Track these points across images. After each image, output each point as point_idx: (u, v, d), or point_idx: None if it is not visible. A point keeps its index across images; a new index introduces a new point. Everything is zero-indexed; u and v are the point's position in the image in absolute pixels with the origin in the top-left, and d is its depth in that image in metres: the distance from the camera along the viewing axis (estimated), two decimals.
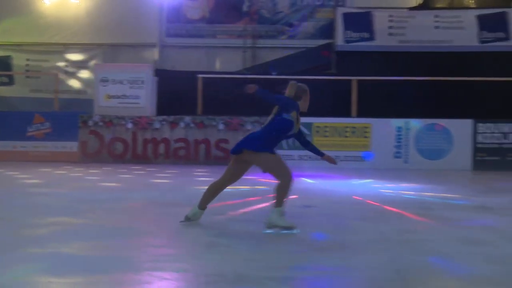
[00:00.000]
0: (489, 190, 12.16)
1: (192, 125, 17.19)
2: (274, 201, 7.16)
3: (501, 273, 5.38)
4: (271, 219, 7.11)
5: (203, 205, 7.54)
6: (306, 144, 7.81)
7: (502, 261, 5.84)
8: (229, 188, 11.15)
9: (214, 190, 7.58)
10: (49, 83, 21.23)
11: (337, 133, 16.53)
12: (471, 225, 7.49)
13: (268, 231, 7.07)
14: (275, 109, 7.45)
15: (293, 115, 7.41)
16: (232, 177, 7.54)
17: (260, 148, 7.19)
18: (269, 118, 7.44)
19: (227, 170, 7.51)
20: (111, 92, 17.83)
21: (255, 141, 7.24)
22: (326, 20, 21.51)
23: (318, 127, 16.61)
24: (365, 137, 16.50)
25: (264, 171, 7.30)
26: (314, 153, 7.79)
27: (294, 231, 7.06)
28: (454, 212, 8.68)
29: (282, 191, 7.15)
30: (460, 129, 16.79)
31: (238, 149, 7.29)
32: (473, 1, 20.66)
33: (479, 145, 16.70)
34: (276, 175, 7.21)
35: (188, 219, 7.48)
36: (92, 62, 21.63)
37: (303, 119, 17.01)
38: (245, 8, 21.91)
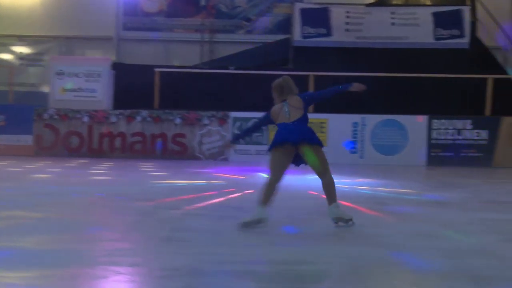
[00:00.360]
0: (443, 185, 12.31)
1: (149, 119, 17.12)
2: (327, 199, 7.23)
3: (455, 267, 5.45)
4: (332, 214, 7.17)
5: (266, 202, 7.32)
6: (330, 93, 7.89)
7: (456, 255, 5.93)
8: (184, 183, 11.16)
9: (275, 188, 7.37)
10: (4, 75, 20.96)
11: None
12: (425, 219, 7.57)
13: (340, 223, 7.15)
14: (299, 104, 7.40)
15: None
16: (285, 170, 7.40)
17: (320, 142, 7.27)
18: (295, 113, 7.35)
19: (277, 164, 7.29)
20: (66, 85, 17.67)
21: (314, 135, 7.27)
22: (284, 16, 21.58)
23: None
24: (322, 132, 16.59)
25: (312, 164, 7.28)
26: (342, 90, 7.79)
27: (350, 222, 7.19)
28: (408, 207, 8.77)
29: (331, 187, 7.23)
30: (415, 125, 16.96)
31: (299, 140, 7.21)
32: None
33: (434, 141, 16.90)
34: (324, 169, 7.25)
35: (259, 221, 7.15)
36: (48, 55, 21.40)
37: (262, 114, 17.04)
38: (202, 2, 21.88)
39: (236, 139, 7.40)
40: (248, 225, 6.97)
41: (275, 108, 7.48)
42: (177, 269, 5.10)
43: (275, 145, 7.21)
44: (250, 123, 7.52)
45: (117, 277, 4.85)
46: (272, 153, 7.27)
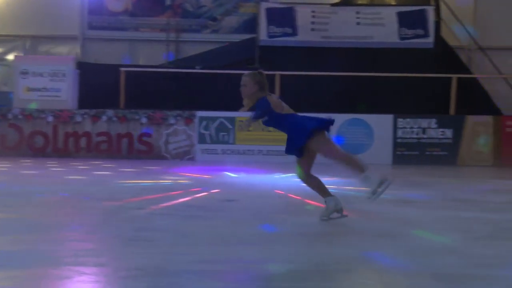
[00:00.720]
0: (408, 184, 12.38)
1: (114, 118, 17.03)
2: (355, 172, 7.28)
3: (420, 265, 5.49)
4: (366, 186, 7.16)
5: (327, 193, 7.51)
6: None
7: (422, 253, 5.97)
8: (150, 182, 11.13)
9: (316, 178, 7.59)
10: None
11: (260, 127, 16.59)
12: (391, 218, 7.62)
13: (373, 197, 7.17)
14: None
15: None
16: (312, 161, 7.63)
17: None
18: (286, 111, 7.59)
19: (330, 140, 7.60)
20: (31, 84, 17.52)
21: None
22: (250, 15, 21.58)
23: (241, 121, 16.64)
24: None
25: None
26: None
27: (389, 180, 7.20)
28: (374, 206, 8.80)
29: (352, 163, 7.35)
30: (381, 124, 17.05)
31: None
32: None
33: (399, 140, 17.00)
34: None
35: (337, 210, 7.43)
36: (12, 54, 21.19)
37: (228, 113, 17.00)
38: (168, 1, 21.80)
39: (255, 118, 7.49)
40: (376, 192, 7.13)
41: (273, 99, 7.57)
42: (143, 269, 5.08)
43: (319, 128, 7.41)
44: (254, 114, 7.50)
45: (82, 278, 4.82)
46: (318, 136, 7.38)
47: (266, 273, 5.17)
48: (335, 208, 7.41)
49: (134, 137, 16.96)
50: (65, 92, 17.53)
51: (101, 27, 21.87)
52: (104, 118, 17.04)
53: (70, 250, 5.72)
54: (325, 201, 7.47)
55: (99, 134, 17.03)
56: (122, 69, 17.96)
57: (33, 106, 17.27)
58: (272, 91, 17.30)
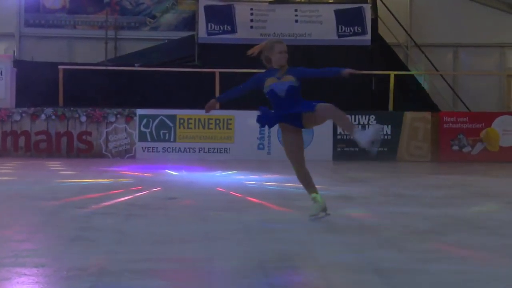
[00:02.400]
0: (349, 180, 12.52)
1: (53, 117, 16.82)
2: None
3: (361, 261, 5.57)
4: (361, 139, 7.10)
5: (314, 190, 7.50)
6: (320, 74, 7.94)
7: (362, 248, 6.05)
8: (91, 181, 11.04)
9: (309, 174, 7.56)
10: None
11: (201, 125, 16.58)
12: (332, 214, 7.70)
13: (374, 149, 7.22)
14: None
15: (269, 82, 7.55)
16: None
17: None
18: None
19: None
20: None
21: None
22: (189, 12, 21.53)
23: (182, 119, 16.61)
24: (229, 128, 16.64)
25: None
26: (333, 74, 7.80)
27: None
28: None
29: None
30: None
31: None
32: None
33: (339, 137, 17.14)
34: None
35: (322, 210, 7.43)
36: None
37: (168, 111, 16.93)
38: None
39: (223, 98, 7.54)
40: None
41: None
42: (84, 269, 5.05)
43: None
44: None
45: (21, 279, 4.77)
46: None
47: (208, 271, 5.19)
48: (323, 206, 7.45)
49: (73, 136, 16.77)
50: (2, 91, 17.24)
51: (38, 25, 21.60)
52: (43, 116, 16.81)
53: (9, 251, 5.64)
54: (313, 199, 7.49)
55: (38, 133, 16.80)
56: (60, 67, 17.74)
57: None
58: (211, 88, 17.37)
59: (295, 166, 7.54)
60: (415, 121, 17.20)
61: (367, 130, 7.24)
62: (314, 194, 7.48)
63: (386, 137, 17.13)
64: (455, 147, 17.12)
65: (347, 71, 7.50)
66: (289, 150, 7.56)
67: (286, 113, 7.35)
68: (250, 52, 7.63)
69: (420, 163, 16.68)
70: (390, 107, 17.80)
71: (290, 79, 7.41)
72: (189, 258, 5.56)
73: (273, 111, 7.53)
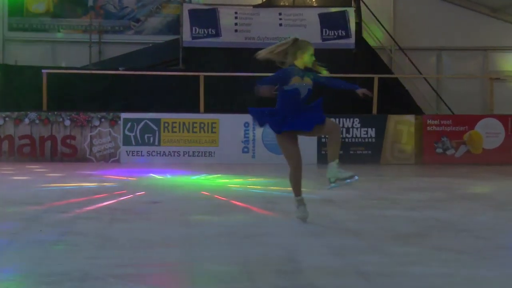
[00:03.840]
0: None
1: (37, 121, 16.75)
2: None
3: (341, 264, 5.59)
4: (330, 173, 7.29)
5: (299, 192, 7.60)
6: (334, 85, 7.96)
7: (342, 252, 6.07)
8: (75, 185, 11.00)
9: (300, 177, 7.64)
10: None
11: (185, 128, 16.56)
12: (316, 218, 7.71)
13: (333, 185, 7.34)
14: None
15: (295, 81, 7.53)
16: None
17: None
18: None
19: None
20: None
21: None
22: (173, 16, 21.53)
23: (166, 122, 16.58)
24: (213, 132, 16.62)
25: None
26: (347, 88, 7.87)
27: (356, 177, 7.32)
28: None
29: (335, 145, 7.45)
30: None
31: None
32: (315, 0, 21.17)
33: (324, 140, 17.14)
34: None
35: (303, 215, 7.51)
36: None
37: (153, 115, 16.88)
38: (90, 2, 21.59)
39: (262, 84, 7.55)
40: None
41: None
42: (67, 274, 5.03)
43: None
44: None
45: (3, 284, 4.75)
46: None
47: (191, 275, 5.18)
48: (304, 212, 7.52)
49: (57, 140, 16.72)
50: None
51: (22, 29, 21.53)
52: (27, 120, 16.75)
53: None
54: (297, 203, 7.59)
55: (21, 137, 16.72)
56: (44, 71, 17.67)
57: None
58: (196, 92, 17.36)
59: (292, 170, 7.59)
60: (398, 124, 17.25)
61: (344, 172, 7.36)
62: (299, 197, 7.57)
63: (370, 140, 17.17)
64: (439, 150, 17.17)
65: (362, 90, 7.60)
66: (289, 154, 7.59)
67: (302, 119, 7.36)
68: (276, 50, 7.63)
69: (404, 166, 16.71)
70: (374, 110, 17.83)
71: (309, 82, 7.57)
72: (173, 262, 5.56)
73: (274, 110, 7.52)
